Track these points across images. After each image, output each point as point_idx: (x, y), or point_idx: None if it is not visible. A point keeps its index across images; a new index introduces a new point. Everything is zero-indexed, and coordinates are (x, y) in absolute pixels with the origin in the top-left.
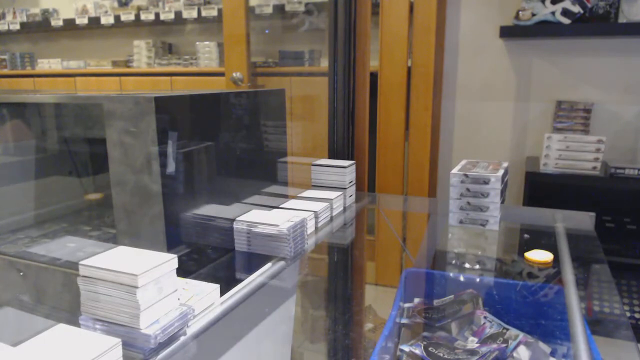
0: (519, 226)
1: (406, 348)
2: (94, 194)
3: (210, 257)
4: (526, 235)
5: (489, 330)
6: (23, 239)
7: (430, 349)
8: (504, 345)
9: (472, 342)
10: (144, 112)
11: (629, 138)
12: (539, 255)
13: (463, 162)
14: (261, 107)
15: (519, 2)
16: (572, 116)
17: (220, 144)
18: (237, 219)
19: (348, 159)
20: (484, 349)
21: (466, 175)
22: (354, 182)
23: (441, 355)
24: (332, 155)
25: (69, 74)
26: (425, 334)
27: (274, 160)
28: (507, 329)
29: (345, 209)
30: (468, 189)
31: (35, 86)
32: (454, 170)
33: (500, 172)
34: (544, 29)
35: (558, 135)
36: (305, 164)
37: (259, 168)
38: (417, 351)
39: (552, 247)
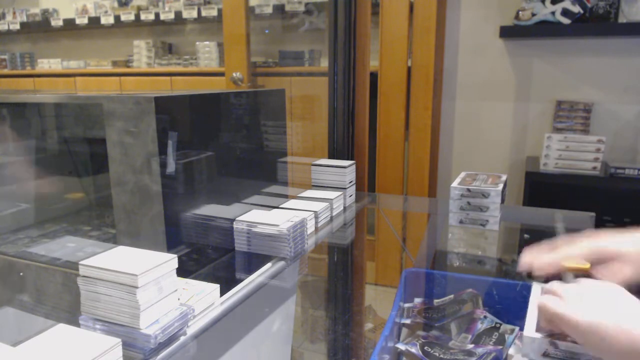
0: (519, 226)
1: (402, 347)
2: (78, 193)
3: (210, 257)
4: (526, 235)
5: (481, 326)
6: (23, 239)
7: (425, 348)
8: (500, 346)
9: (466, 339)
10: (144, 112)
11: (629, 138)
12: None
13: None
14: (261, 107)
15: (519, 2)
16: (572, 116)
17: (220, 144)
18: (237, 219)
19: (348, 159)
20: (481, 350)
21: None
22: (354, 182)
23: (437, 354)
24: (332, 155)
25: (69, 74)
26: (421, 332)
27: (274, 160)
28: (500, 324)
29: (345, 209)
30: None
31: (35, 86)
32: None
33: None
34: (544, 29)
35: (558, 135)
36: (305, 164)
37: (259, 168)
38: (414, 350)
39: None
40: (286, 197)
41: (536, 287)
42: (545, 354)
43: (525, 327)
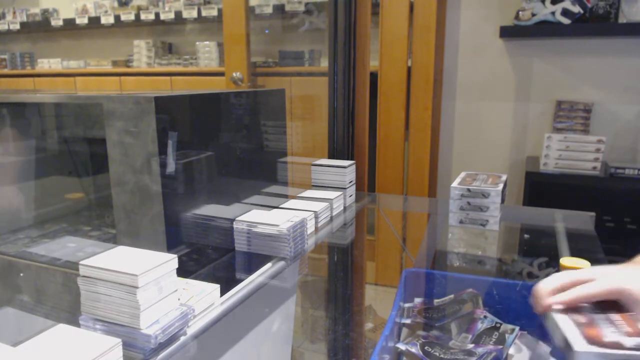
0: (519, 226)
1: (402, 346)
2: (78, 193)
3: (210, 257)
4: (526, 235)
5: (481, 326)
6: (23, 239)
7: (426, 347)
8: (500, 346)
9: (466, 339)
10: (144, 112)
11: (629, 138)
12: (575, 262)
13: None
14: (261, 107)
15: (519, 2)
16: (572, 116)
17: (220, 144)
18: (237, 219)
19: (348, 159)
20: (481, 350)
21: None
22: (354, 182)
23: (437, 354)
24: (332, 155)
25: (69, 74)
26: (421, 332)
27: (274, 160)
28: (501, 324)
29: (345, 209)
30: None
31: (35, 86)
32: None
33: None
34: (544, 29)
35: (558, 135)
36: (305, 164)
37: (259, 168)
38: (414, 350)
39: (552, 247)
40: (286, 197)
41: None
42: None
43: (574, 342)
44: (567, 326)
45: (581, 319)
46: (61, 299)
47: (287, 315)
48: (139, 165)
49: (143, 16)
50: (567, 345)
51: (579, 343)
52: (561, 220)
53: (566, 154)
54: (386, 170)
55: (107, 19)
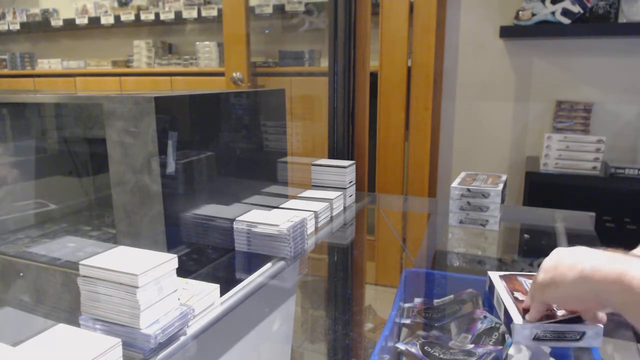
0: (519, 226)
1: (402, 346)
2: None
3: (210, 257)
4: (526, 235)
5: (481, 326)
6: (23, 239)
7: (426, 347)
8: (499, 347)
9: (466, 339)
10: (144, 112)
11: (629, 138)
12: None
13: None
14: (261, 107)
15: (519, 2)
16: (572, 116)
17: (220, 144)
18: (237, 219)
19: (348, 159)
20: (481, 350)
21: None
22: (354, 182)
23: (437, 354)
24: (332, 155)
25: (69, 74)
26: (421, 332)
27: (274, 160)
28: (500, 324)
29: (345, 209)
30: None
31: (35, 86)
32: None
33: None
34: (544, 29)
35: (558, 135)
36: (305, 164)
37: (259, 168)
38: (414, 350)
39: (552, 247)
40: (286, 197)
41: (493, 275)
42: (535, 338)
43: (513, 316)
44: (511, 305)
45: (522, 297)
46: (61, 299)
47: (287, 315)
48: (139, 165)
49: (143, 16)
50: (509, 318)
51: (517, 317)
52: (561, 220)
53: (566, 154)
54: (386, 171)
55: (107, 19)
